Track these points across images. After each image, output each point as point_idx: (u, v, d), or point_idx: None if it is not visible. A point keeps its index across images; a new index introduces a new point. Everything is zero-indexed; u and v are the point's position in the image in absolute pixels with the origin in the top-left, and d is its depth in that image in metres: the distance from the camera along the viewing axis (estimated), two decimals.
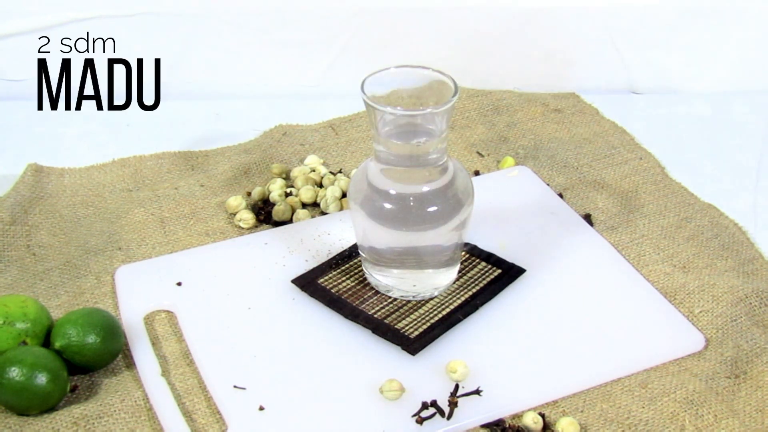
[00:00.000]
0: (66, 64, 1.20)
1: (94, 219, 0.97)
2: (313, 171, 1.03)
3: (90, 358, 0.77)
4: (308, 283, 0.86)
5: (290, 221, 0.96)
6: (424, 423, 0.73)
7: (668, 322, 0.83)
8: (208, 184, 1.02)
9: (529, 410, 0.75)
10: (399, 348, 0.79)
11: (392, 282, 0.84)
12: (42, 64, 1.20)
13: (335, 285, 0.86)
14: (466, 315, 0.82)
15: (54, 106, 1.16)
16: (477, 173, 1.04)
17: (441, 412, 0.74)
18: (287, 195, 0.99)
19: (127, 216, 0.96)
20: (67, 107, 1.16)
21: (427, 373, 0.77)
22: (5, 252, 0.91)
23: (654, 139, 1.12)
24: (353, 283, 0.86)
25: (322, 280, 0.86)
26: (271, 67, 1.22)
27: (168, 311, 0.84)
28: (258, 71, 1.22)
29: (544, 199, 0.98)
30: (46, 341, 0.78)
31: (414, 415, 0.73)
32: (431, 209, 0.79)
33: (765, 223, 0.98)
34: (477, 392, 0.75)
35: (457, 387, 0.76)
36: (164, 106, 1.18)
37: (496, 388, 0.76)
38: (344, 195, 0.99)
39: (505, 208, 0.96)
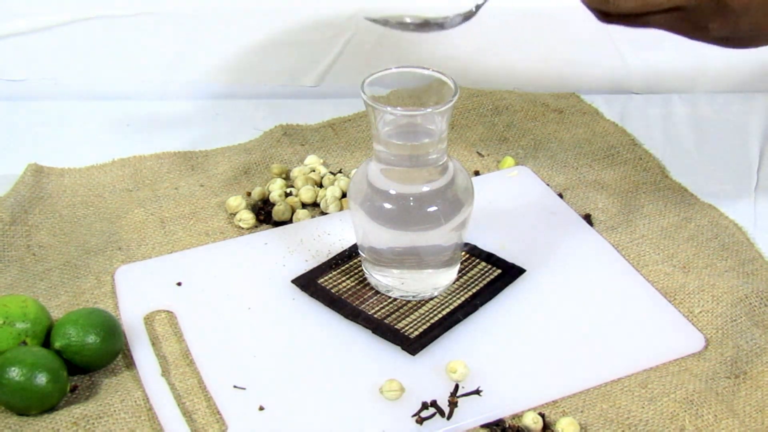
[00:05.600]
0: (66, 64, 1.20)
1: (94, 219, 0.97)
2: (313, 171, 1.03)
3: (90, 358, 0.77)
4: (308, 283, 0.86)
5: (290, 221, 0.96)
6: (424, 423, 0.73)
7: (668, 322, 0.83)
8: (208, 184, 1.02)
9: (529, 410, 0.75)
10: (399, 348, 0.79)
11: (392, 282, 0.84)
12: (42, 64, 1.20)
13: (335, 285, 0.86)
14: (466, 315, 0.82)
15: (54, 106, 1.16)
16: (477, 173, 1.04)
17: (441, 412, 0.74)
18: (287, 195, 0.99)
19: (127, 216, 0.96)
20: (68, 107, 1.16)
21: (427, 373, 0.77)
22: (5, 252, 0.91)
23: (654, 139, 1.12)
24: (353, 283, 0.86)
25: (322, 280, 0.86)
26: (271, 67, 1.22)
27: (168, 311, 0.84)
28: (258, 71, 1.22)
29: (544, 199, 0.98)
30: (46, 341, 0.78)
31: (414, 415, 0.73)
32: (431, 209, 0.79)
33: (765, 223, 0.98)
34: (477, 392, 0.75)
35: (457, 387, 0.76)
36: (164, 106, 1.18)
37: (496, 388, 0.76)
38: (344, 195, 0.99)
39: (505, 208, 0.96)
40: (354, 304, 0.83)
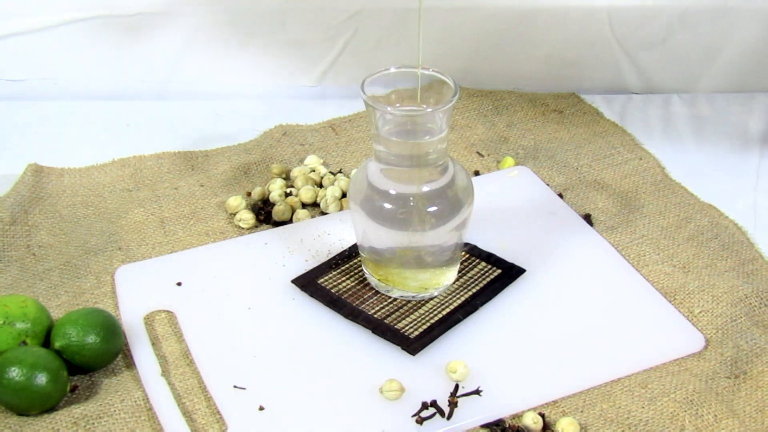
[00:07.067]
0: (66, 64, 1.20)
1: (94, 219, 0.97)
2: (313, 171, 1.03)
3: (90, 358, 0.77)
4: (308, 283, 0.86)
5: (290, 221, 0.96)
6: (424, 423, 0.73)
7: (668, 322, 0.83)
8: (208, 184, 1.02)
9: (529, 410, 0.75)
10: (399, 348, 0.79)
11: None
12: (42, 64, 1.20)
13: (335, 285, 0.86)
14: (466, 315, 0.82)
15: (54, 106, 1.16)
16: (477, 173, 1.04)
17: (441, 412, 0.74)
18: (287, 195, 0.99)
19: (127, 216, 0.96)
20: (68, 107, 1.16)
21: (427, 373, 0.77)
22: (5, 252, 0.91)
23: (654, 139, 1.12)
24: (353, 283, 0.86)
25: (322, 280, 0.86)
26: (271, 67, 1.22)
27: (168, 311, 0.84)
28: (258, 71, 1.22)
29: (544, 199, 0.98)
30: (46, 341, 0.78)
31: (414, 415, 0.73)
32: (431, 209, 0.79)
33: (765, 223, 0.98)
34: (477, 392, 0.75)
35: (457, 387, 0.76)
36: (164, 106, 1.18)
37: (496, 388, 0.76)
38: (344, 195, 0.99)
39: (505, 208, 0.96)
40: (354, 304, 0.83)
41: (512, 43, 1.21)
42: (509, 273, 0.87)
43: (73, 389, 0.77)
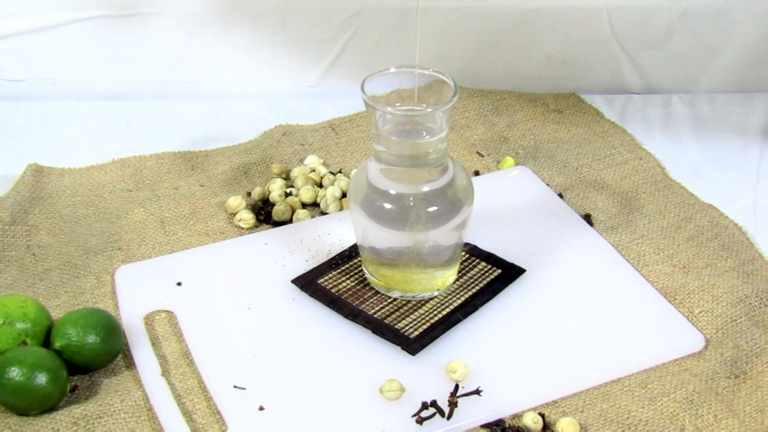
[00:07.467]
0: (66, 64, 1.20)
1: (94, 219, 0.97)
2: (313, 171, 1.03)
3: (90, 358, 0.77)
4: (308, 283, 0.86)
5: (290, 221, 0.96)
6: (424, 423, 0.73)
7: (668, 322, 0.83)
8: (208, 184, 1.02)
9: (529, 410, 0.75)
10: (399, 348, 0.79)
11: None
12: (42, 64, 1.20)
13: (335, 285, 0.86)
14: (466, 315, 0.82)
15: (54, 106, 1.16)
16: (477, 173, 1.04)
17: (441, 412, 0.74)
18: (287, 195, 0.99)
19: (127, 216, 0.96)
20: (68, 107, 1.16)
21: (427, 373, 0.77)
22: (5, 252, 0.91)
23: (654, 139, 1.12)
24: (353, 283, 0.86)
25: (322, 280, 0.86)
26: (271, 67, 1.22)
27: (168, 311, 0.84)
28: (258, 71, 1.22)
29: (544, 199, 0.98)
30: (46, 341, 0.78)
31: (414, 415, 0.73)
32: (431, 209, 0.79)
33: (765, 223, 0.98)
34: (477, 392, 0.75)
35: (457, 387, 0.76)
36: (164, 106, 1.18)
37: (496, 388, 0.76)
38: (344, 195, 0.99)
39: (505, 208, 0.96)
40: (354, 304, 0.83)
41: (512, 43, 1.21)
42: (509, 273, 0.87)
43: (73, 389, 0.77)
